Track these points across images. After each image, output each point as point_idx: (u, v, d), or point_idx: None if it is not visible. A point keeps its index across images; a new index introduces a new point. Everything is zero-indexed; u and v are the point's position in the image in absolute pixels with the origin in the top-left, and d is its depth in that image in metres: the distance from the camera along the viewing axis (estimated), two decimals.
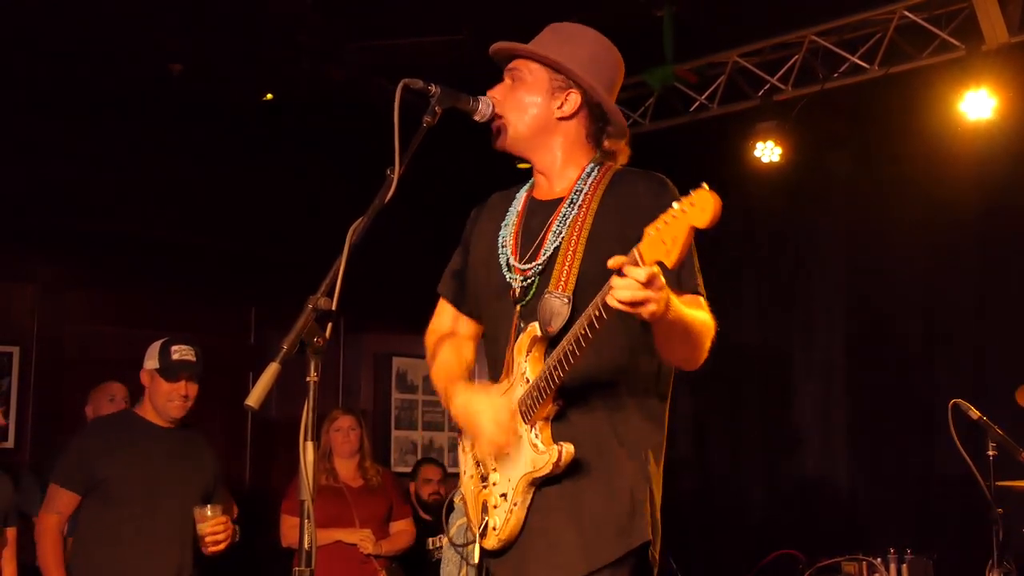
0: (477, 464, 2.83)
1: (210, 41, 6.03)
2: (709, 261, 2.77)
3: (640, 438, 2.71)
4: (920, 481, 6.98)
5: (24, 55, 6.01)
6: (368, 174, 3.03)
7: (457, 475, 3.01)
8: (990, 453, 5.03)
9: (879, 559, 5.95)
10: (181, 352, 4.60)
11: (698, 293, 2.67)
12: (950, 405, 5.06)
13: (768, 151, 6.86)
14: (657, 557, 2.72)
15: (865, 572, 5.97)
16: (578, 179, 2.82)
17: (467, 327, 3.05)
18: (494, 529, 2.73)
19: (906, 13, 6.11)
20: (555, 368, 2.54)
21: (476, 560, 2.79)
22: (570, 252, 2.70)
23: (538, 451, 2.62)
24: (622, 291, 2.29)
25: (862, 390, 7.38)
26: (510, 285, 2.78)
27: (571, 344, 2.48)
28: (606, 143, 2.90)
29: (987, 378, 6.65)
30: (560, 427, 2.66)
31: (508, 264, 2.80)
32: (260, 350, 7.23)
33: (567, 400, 2.66)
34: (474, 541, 2.78)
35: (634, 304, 2.29)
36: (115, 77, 6.28)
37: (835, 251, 7.58)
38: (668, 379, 2.81)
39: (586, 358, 2.52)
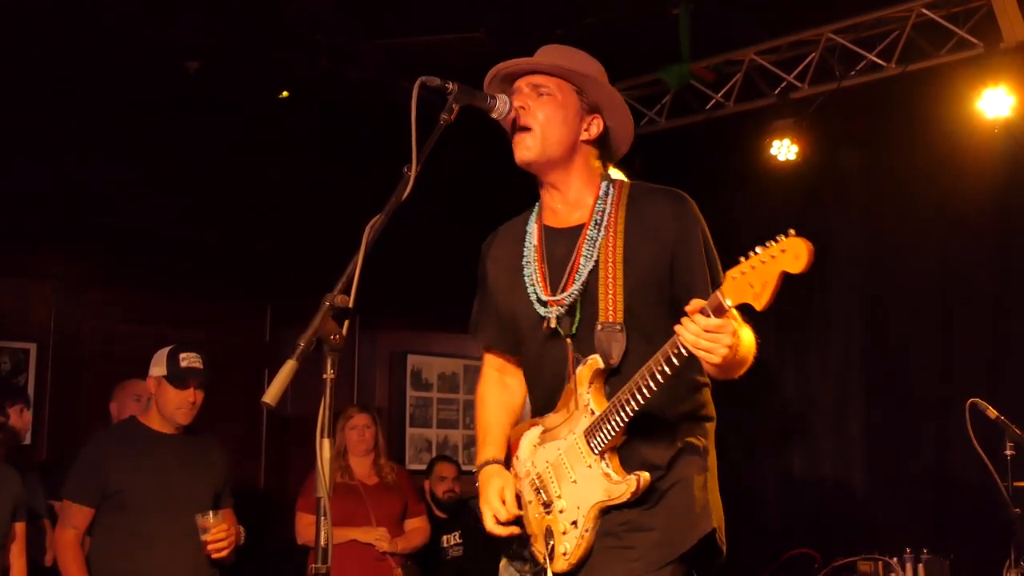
0: (538, 491, 2.88)
1: (227, 38, 6.04)
2: (724, 261, 2.77)
3: (702, 446, 2.83)
4: (937, 481, 6.95)
5: (40, 53, 6.03)
6: (385, 172, 3.03)
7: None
8: (1008, 453, 5.01)
9: (895, 559, 5.92)
10: (189, 360, 4.59)
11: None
12: (968, 404, 5.04)
13: (784, 149, 6.84)
14: (724, 539, 2.83)
15: (881, 572, 5.95)
16: (596, 201, 2.85)
17: (512, 369, 3.12)
18: (564, 554, 2.79)
19: (924, 11, 6.08)
20: (627, 402, 2.61)
21: None
22: (610, 280, 2.75)
23: (612, 480, 2.70)
24: (687, 335, 2.43)
25: (878, 389, 7.35)
26: (544, 319, 2.83)
27: (645, 380, 2.57)
28: (606, 163, 2.95)
29: (1005, 377, 6.62)
30: (628, 449, 2.74)
31: (539, 299, 2.84)
32: (275, 348, 7.24)
33: (634, 425, 2.71)
34: (543, 568, 2.84)
35: (697, 348, 2.42)
36: (131, 74, 6.30)
37: (851, 249, 7.54)
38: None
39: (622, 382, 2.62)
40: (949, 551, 6.07)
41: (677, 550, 2.72)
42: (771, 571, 6.59)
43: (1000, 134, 6.34)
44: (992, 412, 5.01)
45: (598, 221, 2.81)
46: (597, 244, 2.78)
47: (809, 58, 6.61)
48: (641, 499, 2.72)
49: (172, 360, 4.58)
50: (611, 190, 2.86)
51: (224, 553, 4.48)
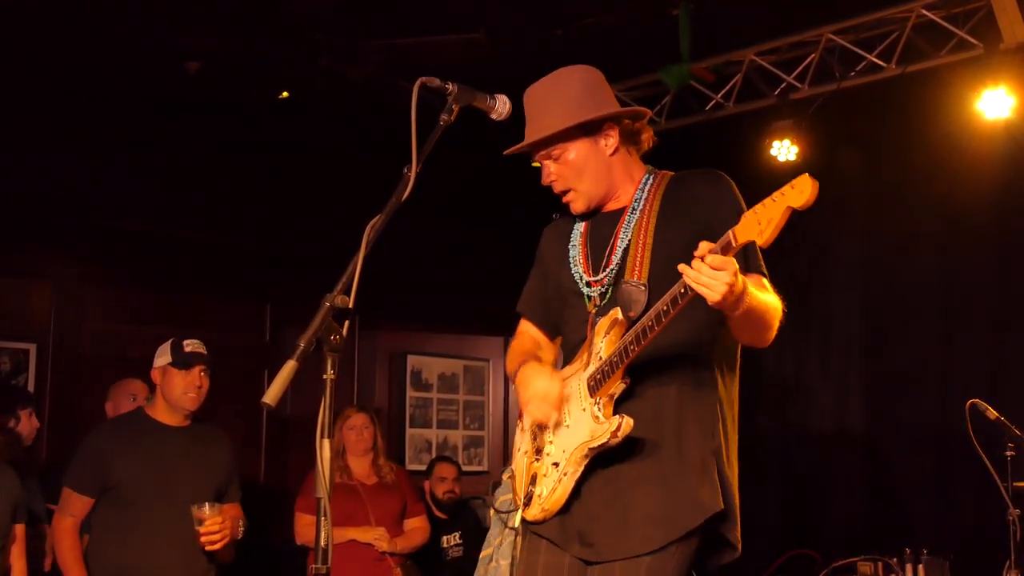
0: (534, 438, 2.96)
1: (227, 39, 6.04)
2: None
3: (710, 415, 2.85)
4: (937, 481, 6.95)
5: (40, 52, 6.03)
6: (385, 172, 3.03)
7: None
8: (1008, 454, 5.01)
9: (895, 559, 5.93)
10: (193, 345, 4.65)
11: (761, 273, 2.81)
12: (968, 405, 5.04)
13: (784, 150, 6.84)
14: (739, 536, 2.85)
15: (881, 572, 5.96)
16: (636, 189, 2.97)
17: (546, 343, 3.20)
18: (539, 497, 2.86)
19: (923, 11, 6.08)
20: (631, 343, 2.68)
21: (515, 524, 2.96)
22: (640, 245, 2.85)
23: (598, 422, 2.74)
24: (689, 273, 2.46)
25: (878, 389, 7.35)
26: (589, 297, 2.93)
27: (651, 320, 2.63)
28: (640, 132, 3.02)
29: (1005, 378, 6.62)
30: (632, 404, 2.78)
31: (582, 279, 2.96)
32: (275, 348, 7.24)
33: (640, 381, 2.79)
34: (516, 509, 2.95)
35: (699, 284, 2.45)
36: (131, 74, 6.30)
37: (851, 250, 7.56)
38: (736, 355, 2.96)
39: (660, 338, 2.65)
40: (949, 552, 6.08)
41: (680, 528, 2.73)
42: (771, 571, 6.60)
43: (1001, 135, 6.34)
44: (992, 413, 5.00)
45: (635, 207, 2.93)
46: (632, 225, 2.90)
47: (809, 59, 6.61)
48: (645, 468, 2.77)
49: (176, 348, 4.62)
50: (651, 180, 2.98)
51: (217, 546, 4.47)
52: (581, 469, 2.79)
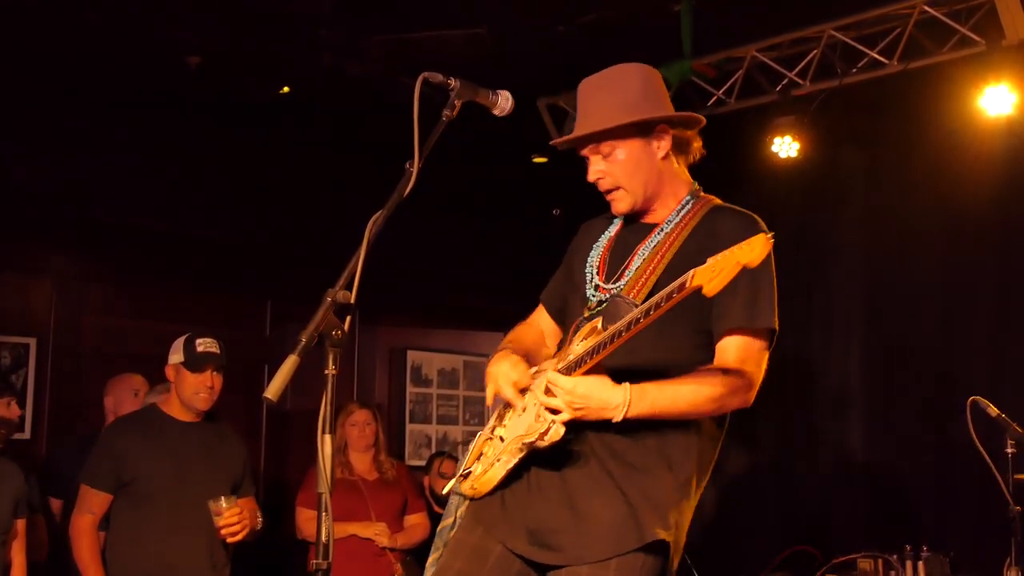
0: (499, 417, 2.99)
1: (228, 34, 6.03)
2: None
3: (683, 439, 2.81)
4: (937, 478, 6.95)
5: (41, 49, 6.03)
6: (387, 168, 3.03)
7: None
8: (1009, 451, 5.00)
9: (895, 556, 5.93)
10: (205, 344, 4.65)
11: (750, 327, 2.75)
12: (968, 402, 5.03)
13: (786, 146, 6.83)
14: (675, 567, 2.82)
15: (881, 569, 5.95)
16: (673, 210, 2.89)
17: (554, 335, 3.18)
18: (474, 474, 2.89)
19: (926, 8, 6.06)
20: (586, 355, 2.66)
21: (444, 492, 3.05)
22: (650, 268, 2.79)
23: (536, 420, 2.73)
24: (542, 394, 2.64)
25: (879, 387, 7.34)
26: (588, 301, 2.90)
27: (608, 338, 2.60)
28: (691, 141, 2.96)
29: (1006, 375, 6.61)
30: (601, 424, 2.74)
31: (593, 283, 2.91)
32: (275, 344, 7.24)
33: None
34: (453, 476, 3.01)
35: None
36: (132, 70, 6.29)
37: (853, 247, 7.54)
38: None
39: (638, 354, 2.66)
40: (949, 549, 6.08)
41: (621, 547, 2.70)
42: (771, 569, 6.59)
43: (1003, 132, 6.33)
44: (993, 410, 4.99)
45: (665, 228, 2.86)
46: (653, 245, 2.84)
47: (811, 55, 6.59)
48: (602, 478, 2.75)
49: (189, 346, 4.62)
50: (690, 205, 2.90)
51: (239, 537, 4.53)
52: (515, 460, 2.77)
